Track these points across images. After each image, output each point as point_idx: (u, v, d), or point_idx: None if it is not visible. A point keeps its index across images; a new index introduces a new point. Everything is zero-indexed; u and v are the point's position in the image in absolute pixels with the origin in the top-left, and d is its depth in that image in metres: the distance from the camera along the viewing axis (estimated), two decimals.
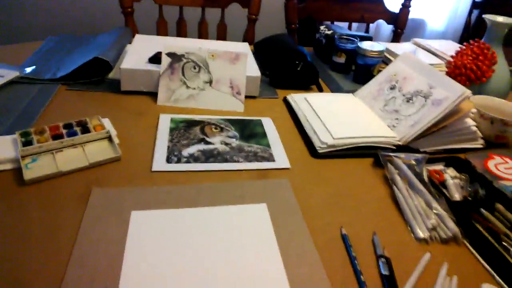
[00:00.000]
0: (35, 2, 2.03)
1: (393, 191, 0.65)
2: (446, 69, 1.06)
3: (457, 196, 0.65)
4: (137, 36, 1.05)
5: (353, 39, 1.13)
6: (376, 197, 0.64)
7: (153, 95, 0.87)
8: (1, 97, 0.80)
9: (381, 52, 1.06)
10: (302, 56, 1.03)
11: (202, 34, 1.48)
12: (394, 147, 0.77)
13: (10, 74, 0.87)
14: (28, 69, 0.92)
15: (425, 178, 0.65)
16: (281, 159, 0.70)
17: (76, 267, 0.45)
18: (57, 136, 0.65)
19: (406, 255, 0.53)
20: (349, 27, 1.66)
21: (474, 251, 0.55)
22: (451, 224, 0.57)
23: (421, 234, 0.56)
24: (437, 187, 0.66)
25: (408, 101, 0.83)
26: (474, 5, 2.49)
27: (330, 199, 0.62)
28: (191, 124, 0.77)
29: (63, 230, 0.50)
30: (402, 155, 0.71)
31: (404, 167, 0.67)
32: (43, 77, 0.89)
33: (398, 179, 0.66)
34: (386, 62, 1.18)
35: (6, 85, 0.84)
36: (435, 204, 0.60)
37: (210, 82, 0.88)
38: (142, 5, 1.40)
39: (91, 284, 0.43)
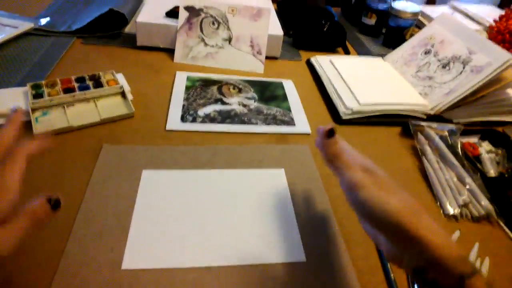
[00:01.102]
0: None
1: (422, 163, 0.60)
2: (487, 35, 0.96)
3: (492, 171, 0.60)
4: None
5: None
6: (403, 168, 0.60)
7: (170, 51, 0.82)
8: (15, 49, 0.77)
9: (416, 13, 0.97)
10: (329, 16, 0.96)
11: None
12: (425, 116, 0.71)
13: (24, 25, 0.83)
14: (43, 21, 0.88)
15: (459, 151, 0.60)
16: (302, 124, 0.65)
17: (83, 222, 0.43)
18: (68, 90, 0.62)
19: None
20: None
21: (509, 231, 0.50)
22: (485, 202, 0.52)
23: (451, 210, 0.52)
24: (471, 161, 0.61)
25: (444, 67, 0.76)
26: None
27: None
28: (208, 83, 0.73)
29: (72, 186, 0.48)
30: (434, 124, 0.65)
31: (436, 138, 0.62)
32: (58, 30, 0.86)
33: (428, 150, 0.61)
34: (420, 26, 1.09)
35: (20, 37, 0.82)
36: (468, 179, 0.55)
37: (230, 39, 0.83)
38: None
39: (98, 240, 0.42)
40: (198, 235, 0.44)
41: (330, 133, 0.36)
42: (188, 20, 0.81)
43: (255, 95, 0.71)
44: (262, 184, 0.52)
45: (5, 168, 0.31)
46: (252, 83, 0.75)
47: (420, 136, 0.63)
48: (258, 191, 0.51)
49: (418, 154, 0.62)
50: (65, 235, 0.42)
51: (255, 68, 0.82)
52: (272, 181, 0.53)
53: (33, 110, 0.58)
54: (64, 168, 0.51)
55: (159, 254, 0.42)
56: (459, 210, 0.52)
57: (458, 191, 0.54)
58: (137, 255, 0.41)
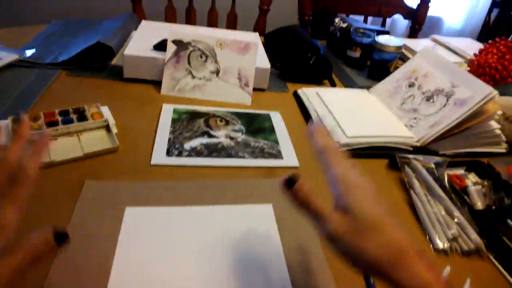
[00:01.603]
0: None
1: (409, 196, 0.60)
2: (468, 68, 1.00)
3: (479, 204, 0.60)
4: (143, 22, 1.00)
5: (370, 33, 1.08)
6: (391, 202, 0.59)
7: (157, 84, 0.82)
8: None
9: (399, 47, 1.00)
10: (315, 49, 0.98)
11: (212, 23, 1.43)
12: (411, 148, 0.71)
13: (9, 56, 0.83)
14: (29, 52, 0.88)
15: (446, 183, 0.60)
16: (290, 157, 0.65)
17: (63, 263, 0.41)
18: (52, 123, 0.61)
19: None
20: (365, 21, 1.60)
21: (499, 266, 0.50)
22: (474, 235, 0.52)
23: (441, 244, 0.51)
24: (458, 194, 0.61)
25: (428, 100, 0.78)
26: (493, 4, 2.40)
27: None
28: (195, 115, 0.73)
29: (51, 224, 0.46)
30: (421, 157, 0.65)
31: (423, 171, 0.62)
32: (43, 61, 0.85)
33: (416, 183, 0.61)
34: (403, 59, 1.13)
35: (5, 68, 0.81)
36: (456, 212, 0.55)
37: (217, 72, 0.84)
38: None
39: (77, 282, 0.39)
40: (183, 278, 0.42)
41: (290, 183, 0.33)
42: (176, 53, 0.82)
43: (243, 128, 0.71)
44: (249, 221, 0.51)
45: (6, 202, 0.31)
46: (239, 115, 0.75)
47: (408, 169, 0.64)
48: (245, 229, 0.49)
49: (405, 187, 0.62)
50: (42, 276, 0.39)
51: (243, 100, 0.83)
52: (260, 218, 0.51)
53: None
54: (44, 205, 0.49)
55: None
56: (449, 245, 0.51)
57: (447, 225, 0.53)
58: None
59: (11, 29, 1.05)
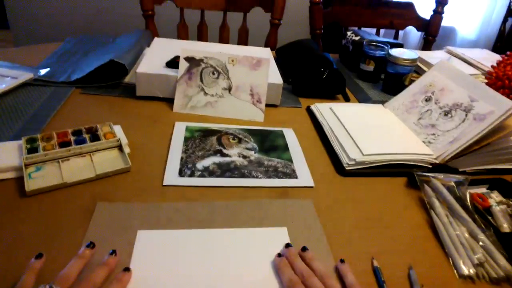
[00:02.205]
0: (57, 3, 2.04)
1: (430, 217, 0.57)
2: (485, 80, 0.97)
3: (506, 225, 0.57)
4: (156, 40, 1.01)
5: (383, 45, 1.06)
6: (411, 223, 0.57)
7: (169, 101, 0.82)
8: (13, 100, 0.77)
9: (414, 60, 0.98)
10: (328, 63, 0.97)
11: (223, 38, 1.44)
12: (430, 166, 0.69)
13: (24, 75, 0.84)
14: (43, 71, 0.89)
15: (468, 203, 0.58)
16: (304, 177, 0.63)
17: None
18: (64, 143, 0.60)
19: None
20: (377, 33, 1.58)
21: None
22: (503, 261, 0.49)
23: (466, 270, 0.48)
24: (482, 214, 0.58)
25: (446, 115, 0.76)
26: (509, 12, 2.36)
27: (359, 224, 0.55)
28: (207, 133, 0.72)
29: (63, 247, 0.45)
30: (441, 175, 0.63)
31: (444, 190, 0.59)
32: (57, 80, 0.86)
33: (436, 203, 0.58)
34: (418, 71, 1.11)
35: (19, 87, 0.82)
36: (481, 235, 0.52)
37: (229, 89, 0.83)
38: (164, 8, 1.36)
39: None
40: None
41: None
42: (188, 70, 0.82)
43: (255, 146, 0.70)
44: (264, 244, 0.49)
45: None
46: (252, 132, 0.74)
47: (427, 188, 0.61)
48: (260, 252, 0.48)
49: (425, 206, 0.60)
50: None
51: (255, 116, 0.82)
52: (275, 241, 0.50)
53: (27, 165, 0.56)
54: (56, 228, 0.48)
55: None
56: (475, 271, 0.48)
57: (471, 249, 0.51)
58: None
59: (28, 48, 1.07)
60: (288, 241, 0.50)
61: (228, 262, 0.46)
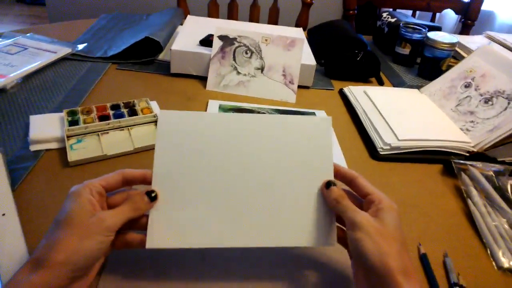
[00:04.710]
0: None
1: (466, 205, 0.56)
2: None
3: None
4: (189, 17, 1.01)
5: (421, 28, 1.02)
6: (447, 211, 0.56)
7: (203, 79, 0.82)
8: (53, 73, 0.79)
9: (453, 44, 0.94)
10: (363, 45, 0.95)
11: (254, 17, 1.42)
12: (467, 154, 0.67)
13: (63, 50, 0.86)
14: (80, 46, 0.90)
15: (509, 194, 0.56)
16: (337, 160, 0.63)
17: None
18: (103, 117, 0.62)
19: (486, 287, 0.45)
20: (413, 15, 1.53)
21: None
22: None
23: (506, 262, 0.47)
24: None
25: (486, 102, 0.73)
26: None
27: None
28: (240, 112, 0.72)
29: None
30: (479, 164, 0.61)
31: (483, 179, 0.58)
32: (94, 55, 0.88)
33: (474, 192, 0.57)
34: (456, 56, 1.06)
35: (58, 61, 0.84)
36: None
37: (262, 68, 0.83)
38: None
39: None
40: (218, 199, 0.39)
41: (327, 185, 0.40)
42: (222, 49, 0.81)
43: None
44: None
45: None
46: (284, 113, 0.74)
47: (464, 176, 0.60)
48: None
49: (462, 195, 0.59)
50: None
51: (287, 97, 0.81)
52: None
53: (69, 137, 0.58)
54: None
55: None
56: None
57: (511, 240, 0.50)
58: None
59: (63, 24, 1.09)
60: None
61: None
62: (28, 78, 0.76)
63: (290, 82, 0.82)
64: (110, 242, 0.34)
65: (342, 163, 0.62)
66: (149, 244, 0.37)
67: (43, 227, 0.45)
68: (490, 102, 0.73)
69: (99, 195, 0.36)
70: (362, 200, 0.40)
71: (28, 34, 0.91)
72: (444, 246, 0.49)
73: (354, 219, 0.35)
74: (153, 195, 0.37)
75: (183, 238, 0.38)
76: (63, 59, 0.85)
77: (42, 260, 0.31)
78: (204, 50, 0.82)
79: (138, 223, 0.38)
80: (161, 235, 0.38)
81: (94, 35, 0.98)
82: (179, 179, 0.39)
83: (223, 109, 0.73)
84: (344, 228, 0.40)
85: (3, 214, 0.43)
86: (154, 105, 0.68)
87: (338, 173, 0.41)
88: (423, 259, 0.46)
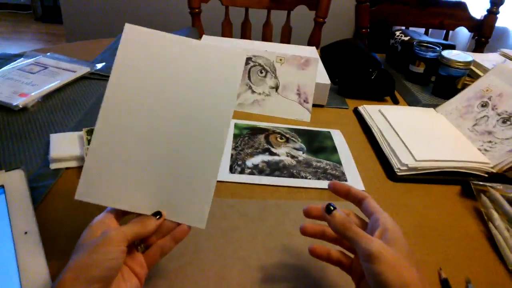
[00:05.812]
0: (108, 0, 2.12)
1: (487, 228, 0.55)
2: None
3: None
4: (204, 37, 1.03)
5: (434, 47, 1.02)
6: (467, 234, 0.55)
7: None
8: (72, 92, 0.81)
9: (468, 63, 0.94)
10: (376, 63, 0.95)
11: (267, 36, 1.44)
12: (486, 175, 0.66)
13: (82, 69, 0.88)
14: (99, 65, 0.93)
15: None
16: (354, 180, 0.63)
17: None
18: None
19: None
20: (425, 33, 1.53)
21: None
22: None
23: None
24: None
25: (504, 122, 0.72)
26: None
27: (411, 232, 0.54)
28: (255, 131, 0.72)
29: None
30: (500, 186, 0.60)
31: (505, 202, 0.56)
32: None
33: (495, 215, 0.56)
34: (471, 75, 1.06)
35: (77, 81, 0.86)
36: None
37: (277, 88, 0.83)
38: (209, 5, 1.38)
39: None
40: None
41: (328, 210, 0.38)
42: None
43: (303, 146, 0.70)
44: None
45: None
46: (299, 132, 0.74)
47: (484, 198, 0.59)
48: None
49: (481, 217, 0.57)
50: None
51: (302, 116, 0.81)
52: None
53: None
54: None
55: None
56: None
57: None
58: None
59: (82, 43, 1.13)
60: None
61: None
62: (48, 97, 0.78)
63: (304, 101, 0.83)
64: (120, 252, 0.35)
65: (359, 183, 0.62)
66: (78, 196, 0.38)
67: (63, 246, 0.45)
68: (508, 122, 0.72)
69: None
70: (364, 220, 0.40)
71: (48, 54, 0.94)
72: (466, 271, 0.48)
73: (370, 250, 0.33)
74: (158, 217, 0.39)
75: (110, 197, 0.39)
76: (82, 78, 0.87)
77: (58, 281, 0.33)
78: None
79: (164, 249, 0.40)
80: (92, 189, 0.38)
81: (111, 55, 1.01)
82: (124, 121, 0.41)
83: (238, 127, 0.73)
84: (347, 252, 0.41)
85: (26, 233, 0.44)
86: None
87: (349, 193, 0.42)
88: (445, 284, 0.45)
